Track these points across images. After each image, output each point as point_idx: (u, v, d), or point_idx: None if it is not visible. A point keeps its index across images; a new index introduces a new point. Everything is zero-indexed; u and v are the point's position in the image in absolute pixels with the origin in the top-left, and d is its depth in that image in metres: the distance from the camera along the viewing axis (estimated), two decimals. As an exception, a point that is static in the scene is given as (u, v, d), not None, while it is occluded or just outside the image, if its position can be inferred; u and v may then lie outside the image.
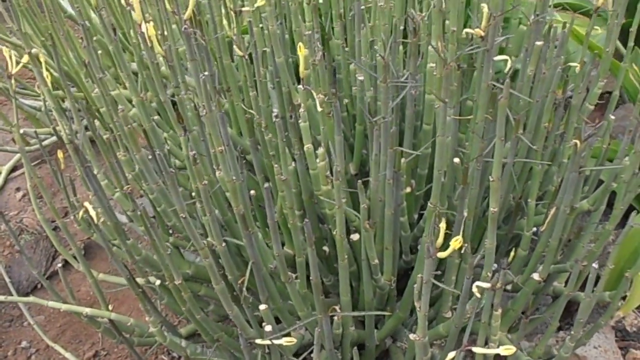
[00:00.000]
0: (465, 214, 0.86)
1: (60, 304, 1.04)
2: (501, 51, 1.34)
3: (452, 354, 0.68)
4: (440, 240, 0.65)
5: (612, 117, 1.14)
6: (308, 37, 0.85)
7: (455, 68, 0.81)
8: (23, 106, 1.89)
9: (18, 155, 1.95)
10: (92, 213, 0.81)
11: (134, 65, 1.26)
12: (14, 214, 1.80)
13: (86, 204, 0.82)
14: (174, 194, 0.72)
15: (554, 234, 0.89)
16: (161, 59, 1.21)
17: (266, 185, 0.70)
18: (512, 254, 0.97)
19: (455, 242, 0.61)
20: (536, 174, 0.91)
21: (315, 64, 0.90)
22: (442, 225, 0.63)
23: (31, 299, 1.04)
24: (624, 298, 1.31)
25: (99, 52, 1.26)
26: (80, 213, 0.84)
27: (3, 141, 2.07)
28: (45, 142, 1.88)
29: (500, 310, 0.72)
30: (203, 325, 0.90)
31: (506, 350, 0.67)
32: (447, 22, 0.91)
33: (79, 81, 1.76)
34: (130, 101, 1.17)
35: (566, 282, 1.07)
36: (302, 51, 0.83)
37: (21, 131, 1.83)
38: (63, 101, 1.95)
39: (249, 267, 0.78)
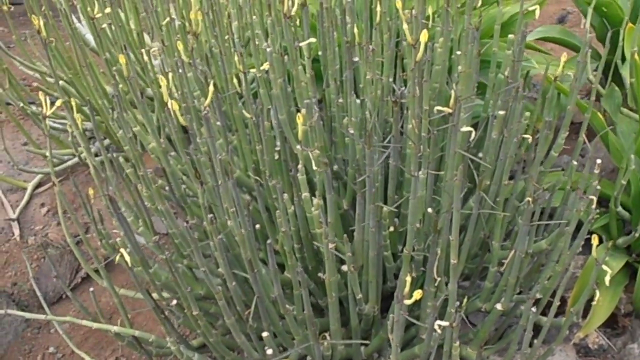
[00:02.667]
0: (439, 252, 1.02)
1: (91, 322, 1.21)
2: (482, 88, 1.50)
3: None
4: (407, 289, 0.81)
5: (575, 162, 1.30)
6: (306, 105, 1.01)
7: (426, 140, 0.96)
8: (53, 133, 2.06)
9: (40, 169, 2.12)
10: (127, 258, 0.97)
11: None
12: (39, 228, 1.97)
13: (122, 250, 0.98)
14: (197, 255, 0.89)
15: (512, 273, 1.05)
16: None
17: (268, 241, 0.87)
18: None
19: (417, 294, 0.77)
20: (498, 221, 1.08)
21: (312, 125, 1.07)
22: (408, 278, 0.79)
23: (67, 318, 1.21)
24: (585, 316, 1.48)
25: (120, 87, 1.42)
26: (117, 258, 1.00)
27: (28, 158, 2.25)
28: (68, 163, 2.05)
29: (458, 342, 0.88)
30: (215, 346, 1.07)
31: (460, 376, 0.84)
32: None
33: (99, 107, 1.92)
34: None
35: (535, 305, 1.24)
36: (300, 120, 0.99)
37: (47, 154, 2.01)
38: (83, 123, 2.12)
39: (254, 301, 0.95)
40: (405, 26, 0.90)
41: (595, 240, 0.93)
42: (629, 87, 1.72)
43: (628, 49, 1.61)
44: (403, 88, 1.00)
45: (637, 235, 1.40)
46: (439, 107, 0.96)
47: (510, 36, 1.33)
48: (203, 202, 0.99)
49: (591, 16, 1.98)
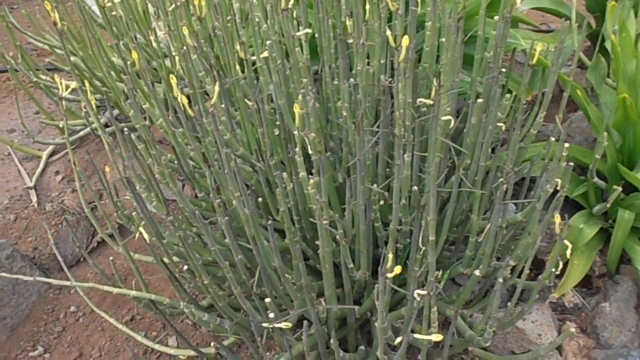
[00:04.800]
0: (423, 225, 1.14)
1: (111, 287, 1.35)
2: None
3: (399, 339, 0.99)
4: (389, 263, 0.93)
5: (552, 139, 1.41)
6: (302, 95, 1.12)
7: (410, 129, 1.07)
8: (59, 102, 2.16)
9: (53, 140, 2.23)
10: (146, 236, 1.09)
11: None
12: (55, 195, 2.09)
13: (141, 229, 1.11)
14: (208, 238, 1.01)
15: (488, 244, 1.18)
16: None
17: (269, 222, 0.99)
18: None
19: (397, 269, 0.90)
20: (477, 198, 1.19)
21: (308, 113, 1.17)
22: (391, 255, 0.91)
23: (90, 284, 1.34)
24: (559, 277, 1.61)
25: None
26: (137, 235, 1.13)
27: (40, 127, 2.35)
28: (80, 133, 2.17)
29: (435, 308, 1.01)
30: (223, 309, 1.21)
31: (436, 336, 0.97)
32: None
33: (107, 81, 2.02)
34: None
35: (512, 271, 1.38)
36: (297, 109, 1.10)
37: (61, 125, 2.12)
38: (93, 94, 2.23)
39: (257, 271, 1.08)
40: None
41: (557, 219, 1.05)
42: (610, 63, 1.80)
43: (609, 27, 1.69)
44: (390, 79, 1.10)
45: (608, 205, 1.52)
46: (422, 100, 1.07)
47: (496, 18, 1.42)
48: (211, 183, 1.10)
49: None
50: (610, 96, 1.87)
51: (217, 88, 0.99)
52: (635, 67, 1.65)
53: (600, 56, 1.94)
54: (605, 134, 1.43)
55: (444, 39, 1.25)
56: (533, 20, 2.22)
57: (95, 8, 2.31)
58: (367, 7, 1.19)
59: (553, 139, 1.39)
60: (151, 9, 2.15)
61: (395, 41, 0.96)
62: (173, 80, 1.03)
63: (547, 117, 2.01)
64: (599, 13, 2.22)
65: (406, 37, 0.91)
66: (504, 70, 1.51)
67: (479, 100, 1.13)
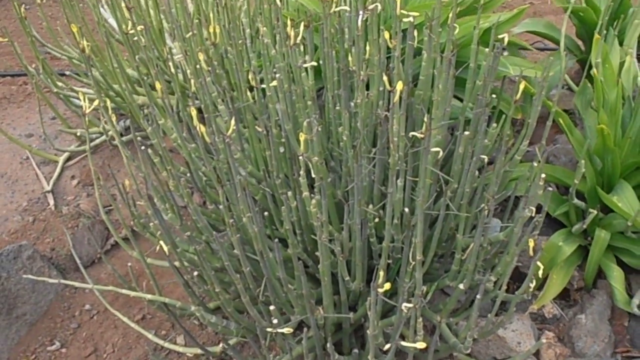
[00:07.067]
0: (414, 241, 1.27)
1: (128, 290, 1.48)
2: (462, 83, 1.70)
3: (388, 345, 1.12)
4: (381, 279, 1.06)
5: (535, 164, 1.53)
6: (308, 124, 1.25)
7: (403, 158, 1.20)
8: (78, 110, 2.29)
9: (71, 147, 2.36)
10: (165, 249, 1.22)
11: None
12: (71, 199, 2.22)
13: (161, 242, 1.24)
14: (223, 254, 1.14)
15: (471, 261, 1.31)
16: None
17: (275, 240, 1.12)
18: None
19: (387, 285, 1.03)
20: (462, 219, 1.32)
21: (312, 139, 1.30)
22: (382, 273, 1.04)
23: (110, 287, 1.47)
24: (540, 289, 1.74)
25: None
26: (157, 247, 1.26)
27: (57, 132, 2.48)
28: (96, 141, 2.30)
29: (421, 319, 1.14)
30: (232, 314, 1.34)
31: (420, 344, 1.10)
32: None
33: (124, 95, 2.15)
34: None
35: (495, 283, 1.51)
36: (302, 136, 1.23)
37: (78, 133, 2.26)
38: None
39: (263, 282, 1.21)
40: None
41: (531, 242, 1.18)
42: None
43: (593, 58, 1.82)
44: (387, 112, 1.23)
45: (584, 226, 1.65)
46: (414, 133, 1.19)
47: (487, 50, 1.55)
48: (223, 200, 1.23)
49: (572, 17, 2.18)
50: (595, 120, 1.99)
51: (232, 123, 1.12)
52: (616, 96, 1.77)
53: (587, 82, 2.06)
54: (583, 161, 1.56)
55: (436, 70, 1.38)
56: (528, 40, 2.35)
57: (112, 21, 2.44)
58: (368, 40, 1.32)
59: (535, 164, 1.52)
60: (166, 25, 2.28)
61: (390, 84, 1.09)
62: (193, 111, 1.16)
63: (535, 136, 2.14)
64: (588, 40, 2.35)
65: (400, 82, 1.04)
66: (494, 96, 1.64)
67: (466, 132, 1.26)
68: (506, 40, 1.43)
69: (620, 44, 2.08)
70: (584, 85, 2.04)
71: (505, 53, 2.35)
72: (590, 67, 2.12)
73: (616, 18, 2.13)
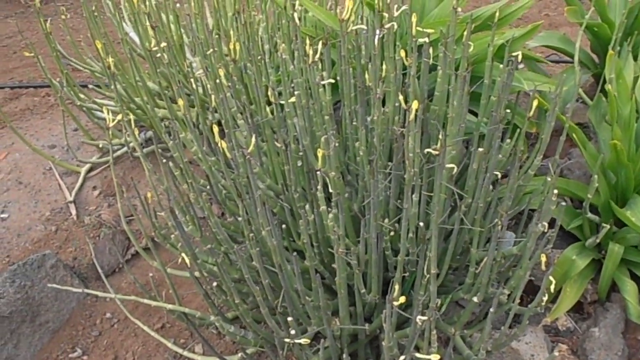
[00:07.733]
0: (428, 255, 1.30)
1: (149, 300, 1.52)
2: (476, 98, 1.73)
3: (402, 357, 1.15)
4: (396, 293, 1.09)
5: (549, 179, 1.56)
6: (325, 140, 1.28)
7: (418, 173, 1.23)
8: (100, 122, 2.35)
9: (93, 158, 2.42)
10: (187, 260, 1.26)
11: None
12: (92, 209, 2.28)
13: (183, 255, 1.28)
14: (243, 267, 1.18)
15: (484, 274, 1.33)
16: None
17: (293, 253, 1.15)
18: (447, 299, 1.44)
19: (402, 298, 1.06)
20: (476, 233, 1.35)
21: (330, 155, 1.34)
22: (397, 286, 1.07)
23: (132, 297, 1.51)
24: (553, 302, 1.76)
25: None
26: (180, 259, 1.30)
27: (79, 143, 2.54)
28: (118, 152, 2.35)
29: (435, 331, 1.17)
30: (250, 325, 1.38)
31: (434, 356, 1.12)
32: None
33: (145, 108, 2.20)
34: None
35: (508, 296, 1.53)
36: (320, 152, 1.26)
37: (100, 145, 2.31)
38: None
39: (281, 294, 1.24)
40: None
41: (543, 257, 1.20)
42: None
43: (607, 74, 1.84)
44: (402, 128, 1.26)
45: (598, 239, 1.66)
46: (429, 149, 1.23)
47: (501, 66, 1.58)
48: (243, 214, 1.27)
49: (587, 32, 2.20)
50: (609, 134, 2.01)
51: (253, 140, 1.16)
52: (630, 111, 1.79)
53: (601, 96, 2.08)
54: (596, 175, 1.58)
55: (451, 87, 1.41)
56: (543, 53, 2.37)
57: (133, 35, 2.50)
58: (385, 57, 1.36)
59: (549, 178, 1.54)
60: (186, 40, 2.33)
61: (406, 101, 1.12)
62: (215, 128, 1.20)
63: (549, 149, 2.16)
64: (602, 54, 2.36)
65: (416, 101, 1.07)
66: (508, 111, 1.67)
67: (480, 149, 1.29)
68: (520, 57, 1.45)
69: (635, 59, 2.10)
70: (598, 99, 2.06)
71: (522, 66, 2.37)
72: (605, 81, 2.14)
73: (630, 34, 2.15)
